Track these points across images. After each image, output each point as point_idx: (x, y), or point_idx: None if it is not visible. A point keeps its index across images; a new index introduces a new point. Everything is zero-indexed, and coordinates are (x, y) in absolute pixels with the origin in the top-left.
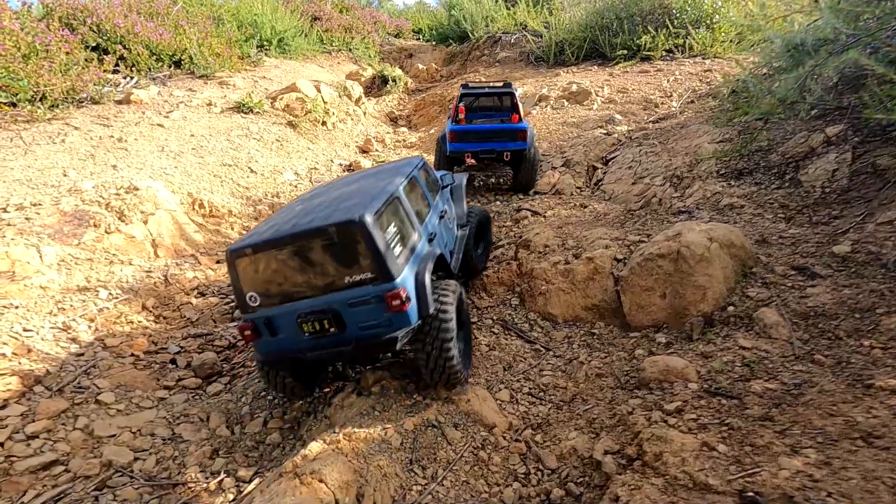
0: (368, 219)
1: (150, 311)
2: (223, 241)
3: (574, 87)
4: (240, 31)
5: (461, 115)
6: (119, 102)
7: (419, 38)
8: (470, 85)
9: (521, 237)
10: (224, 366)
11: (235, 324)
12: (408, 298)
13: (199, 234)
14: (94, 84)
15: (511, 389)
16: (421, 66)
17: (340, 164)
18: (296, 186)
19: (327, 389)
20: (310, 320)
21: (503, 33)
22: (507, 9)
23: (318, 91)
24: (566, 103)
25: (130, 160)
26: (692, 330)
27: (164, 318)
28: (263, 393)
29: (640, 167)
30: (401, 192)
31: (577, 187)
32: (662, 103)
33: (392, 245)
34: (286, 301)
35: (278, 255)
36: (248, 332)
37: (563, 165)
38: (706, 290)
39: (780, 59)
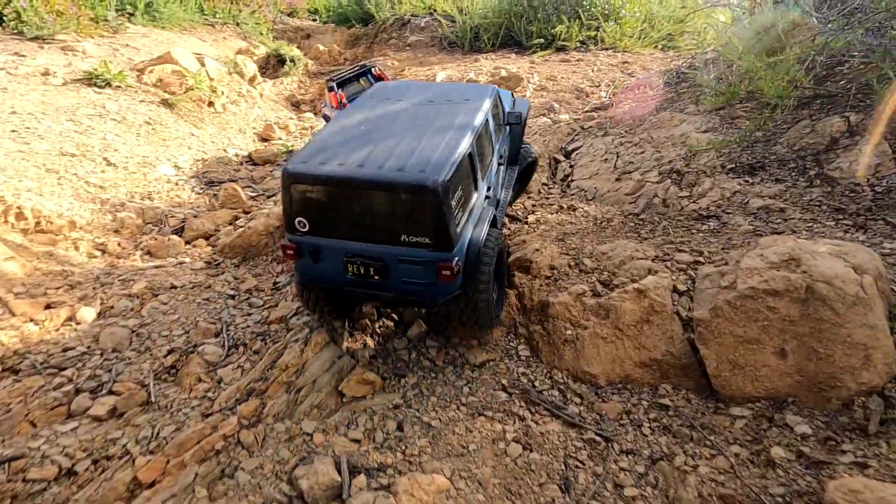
0: (441, 187)
1: None
2: (60, 272)
3: (503, 73)
4: None
5: (344, 101)
6: None
7: (315, 19)
8: (334, 77)
9: (512, 254)
10: None
11: (73, 424)
12: (458, 272)
13: (14, 263)
14: None
15: None
16: (322, 48)
17: (237, 155)
18: (176, 184)
19: None
20: (356, 262)
21: (412, 16)
22: None
23: (203, 65)
24: (496, 88)
25: None
26: (865, 417)
27: None
28: None
29: (619, 160)
30: (474, 148)
31: (544, 184)
32: (592, 92)
33: (455, 212)
34: (335, 237)
35: (338, 194)
36: (289, 252)
37: None
38: (869, 350)
39: (753, 41)
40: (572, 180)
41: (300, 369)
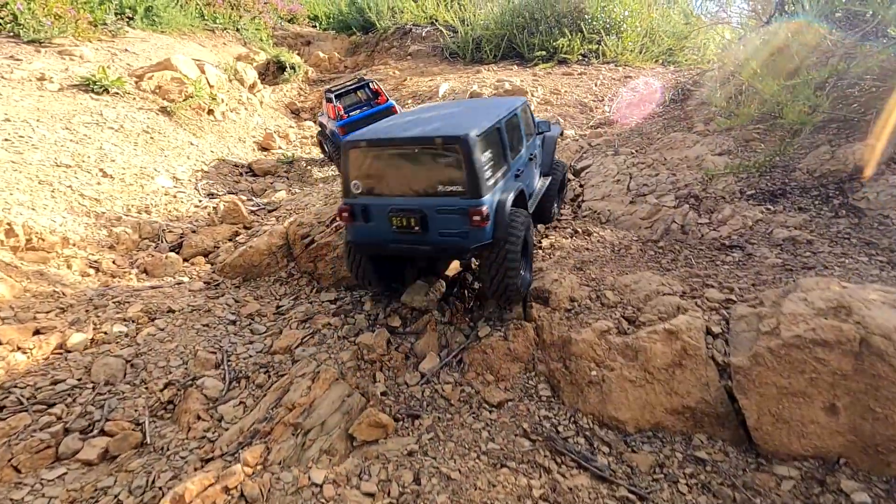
0: (472, 138)
1: None
2: (51, 293)
3: (507, 86)
4: None
5: (342, 112)
6: None
7: (315, 26)
8: (332, 89)
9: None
10: None
11: (61, 470)
12: (487, 217)
13: (3, 285)
14: None
15: None
16: (322, 55)
17: (237, 165)
18: (174, 196)
19: None
20: (399, 216)
21: (414, 25)
22: (415, 1)
23: (203, 72)
24: None
25: None
26: None
27: None
28: None
29: (632, 181)
30: (503, 124)
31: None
32: (596, 107)
33: (485, 168)
34: (383, 194)
35: (386, 154)
36: (345, 215)
37: None
38: None
39: (767, 61)
40: (583, 201)
41: (307, 409)
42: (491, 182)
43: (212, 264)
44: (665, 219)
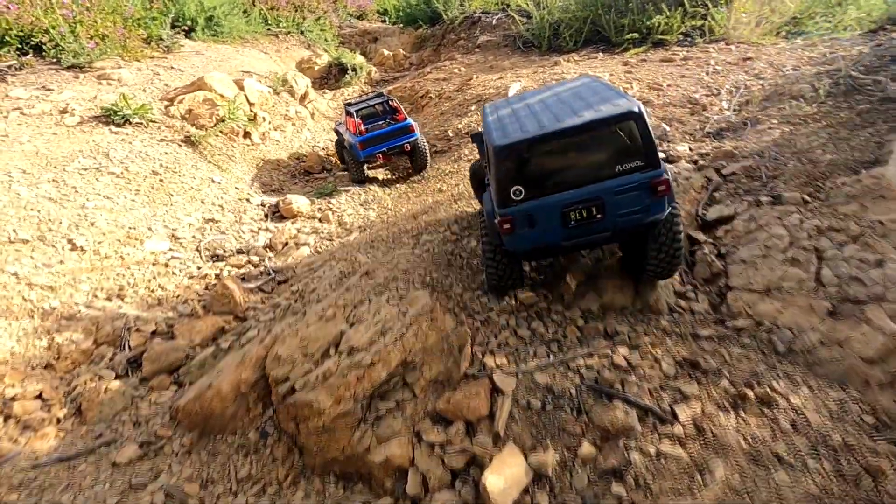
0: (643, 110)
1: None
2: None
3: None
4: (150, 6)
5: (362, 128)
6: None
7: (385, 21)
8: (352, 102)
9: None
10: None
11: None
12: (670, 185)
13: None
14: None
15: None
16: (387, 52)
17: (262, 204)
18: (165, 266)
19: None
20: (578, 208)
21: (482, 13)
22: None
23: (241, 89)
24: None
25: None
26: None
27: None
28: None
29: (824, 267)
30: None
31: (678, 293)
32: (711, 104)
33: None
34: (551, 192)
35: (550, 149)
36: (507, 226)
37: None
38: None
39: None
40: (729, 288)
41: None
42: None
43: (179, 385)
44: None
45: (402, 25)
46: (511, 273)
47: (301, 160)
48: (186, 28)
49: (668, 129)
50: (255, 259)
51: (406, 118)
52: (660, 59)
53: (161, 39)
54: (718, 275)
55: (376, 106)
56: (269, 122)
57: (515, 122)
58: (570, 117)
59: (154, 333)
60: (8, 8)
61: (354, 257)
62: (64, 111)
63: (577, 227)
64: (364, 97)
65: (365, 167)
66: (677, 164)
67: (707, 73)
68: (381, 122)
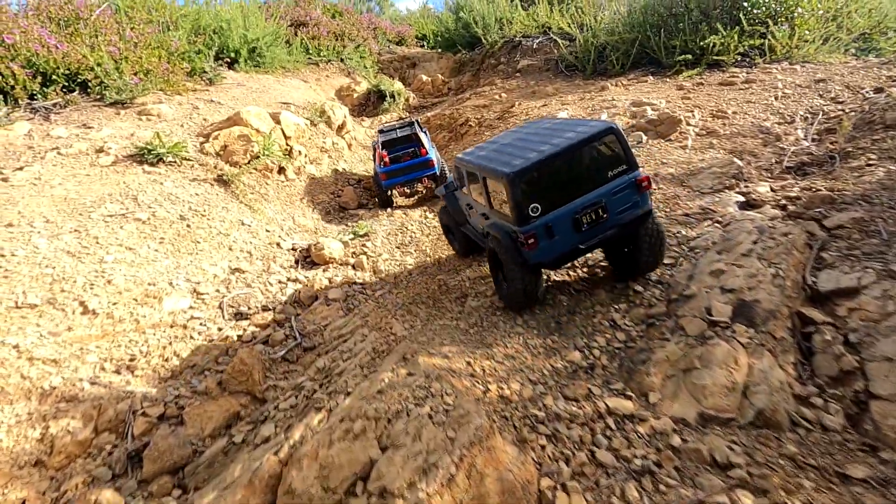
0: (619, 126)
1: None
2: None
3: (649, 113)
4: (195, 40)
5: (386, 160)
6: None
7: (423, 46)
8: (385, 129)
9: None
10: None
11: None
12: (650, 180)
13: None
14: None
15: None
16: (425, 78)
17: (294, 248)
18: (184, 327)
19: None
20: (588, 211)
21: (523, 37)
22: (525, 9)
23: (277, 122)
24: (644, 136)
25: None
26: None
27: None
28: None
29: None
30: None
31: (797, 396)
32: (786, 133)
33: None
34: (563, 203)
35: (555, 167)
36: (531, 241)
37: (733, 317)
38: None
39: None
40: (872, 395)
41: None
42: None
43: (183, 489)
44: None
45: (440, 50)
46: (536, 286)
47: (337, 195)
48: (229, 59)
49: (741, 164)
50: (281, 317)
51: (428, 153)
52: (718, 82)
53: (204, 72)
54: (852, 373)
55: (404, 134)
56: (305, 156)
57: (509, 156)
58: (562, 141)
59: (161, 418)
60: (56, 47)
61: (390, 326)
62: (100, 150)
63: (588, 230)
64: (395, 123)
65: (389, 192)
66: (762, 209)
67: (776, 98)
68: (409, 150)
